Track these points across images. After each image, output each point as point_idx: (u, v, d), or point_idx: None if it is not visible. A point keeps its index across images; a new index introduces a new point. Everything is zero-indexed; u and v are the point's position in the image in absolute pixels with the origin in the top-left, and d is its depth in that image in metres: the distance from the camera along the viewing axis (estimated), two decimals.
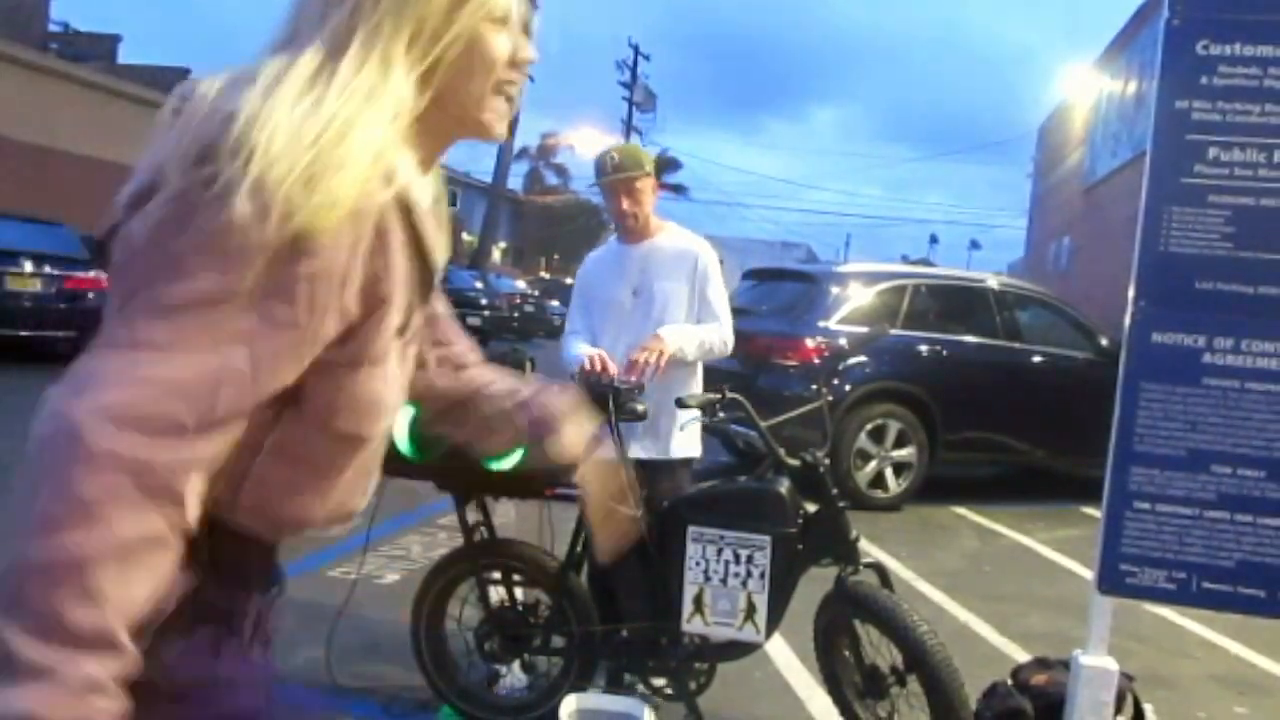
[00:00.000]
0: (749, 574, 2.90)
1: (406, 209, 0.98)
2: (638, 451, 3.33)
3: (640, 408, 3.04)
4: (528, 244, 51.70)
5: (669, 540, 2.96)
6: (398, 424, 3.05)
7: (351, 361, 0.99)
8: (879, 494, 7.29)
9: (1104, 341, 8.19)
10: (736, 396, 3.10)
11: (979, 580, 5.60)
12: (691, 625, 2.95)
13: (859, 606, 2.92)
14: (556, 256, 52.27)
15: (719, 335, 3.35)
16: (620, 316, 3.40)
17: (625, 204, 3.35)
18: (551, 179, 52.38)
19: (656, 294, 3.36)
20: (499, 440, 1.40)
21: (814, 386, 6.85)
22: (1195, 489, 2.48)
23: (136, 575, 0.81)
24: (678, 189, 43.55)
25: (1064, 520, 7.24)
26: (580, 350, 3.34)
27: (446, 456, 3.01)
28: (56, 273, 10.28)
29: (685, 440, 3.42)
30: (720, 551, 2.92)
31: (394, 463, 3.25)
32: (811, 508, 3.03)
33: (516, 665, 3.30)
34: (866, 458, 7.30)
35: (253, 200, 0.85)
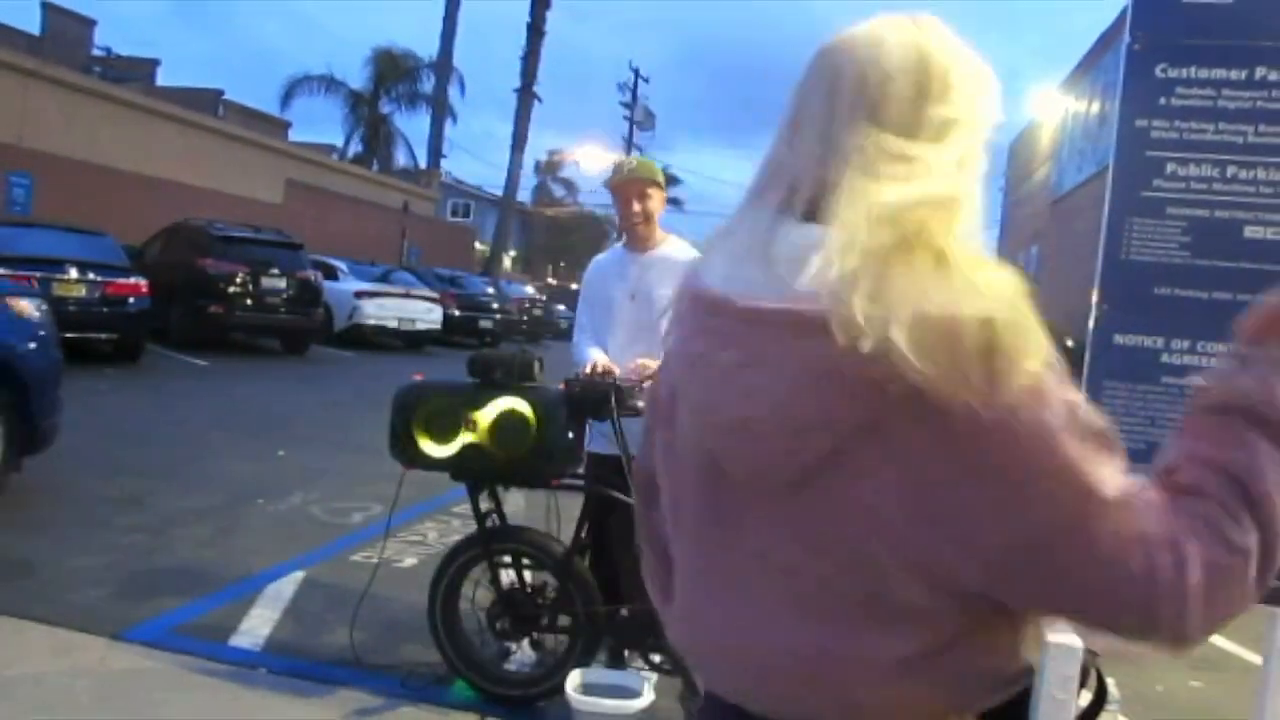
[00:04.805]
0: None
1: None
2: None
3: (641, 404, 3.04)
4: (536, 253, 51.68)
5: None
6: (415, 421, 3.05)
7: None
8: None
9: (1069, 343, 8.18)
10: None
11: None
12: None
13: None
14: (562, 264, 52.23)
15: None
16: (620, 317, 3.37)
17: (635, 205, 3.31)
18: (558, 192, 52.40)
19: (654, 300, 3.34)
20: None
21: None
22: None
23: None
24: (674, 202, 43.56)
25: None
26: (589, 353, 3.33)
27: (461, 448, 3.02)
28: (99, 279, 10.29)
29: None
30: None
31: (413, 455, 3.27)
32: None
33: (526, 643, 3.30)
34: None
35: None
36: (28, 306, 5.15)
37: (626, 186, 3.33)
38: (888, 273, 0.77)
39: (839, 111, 0.87)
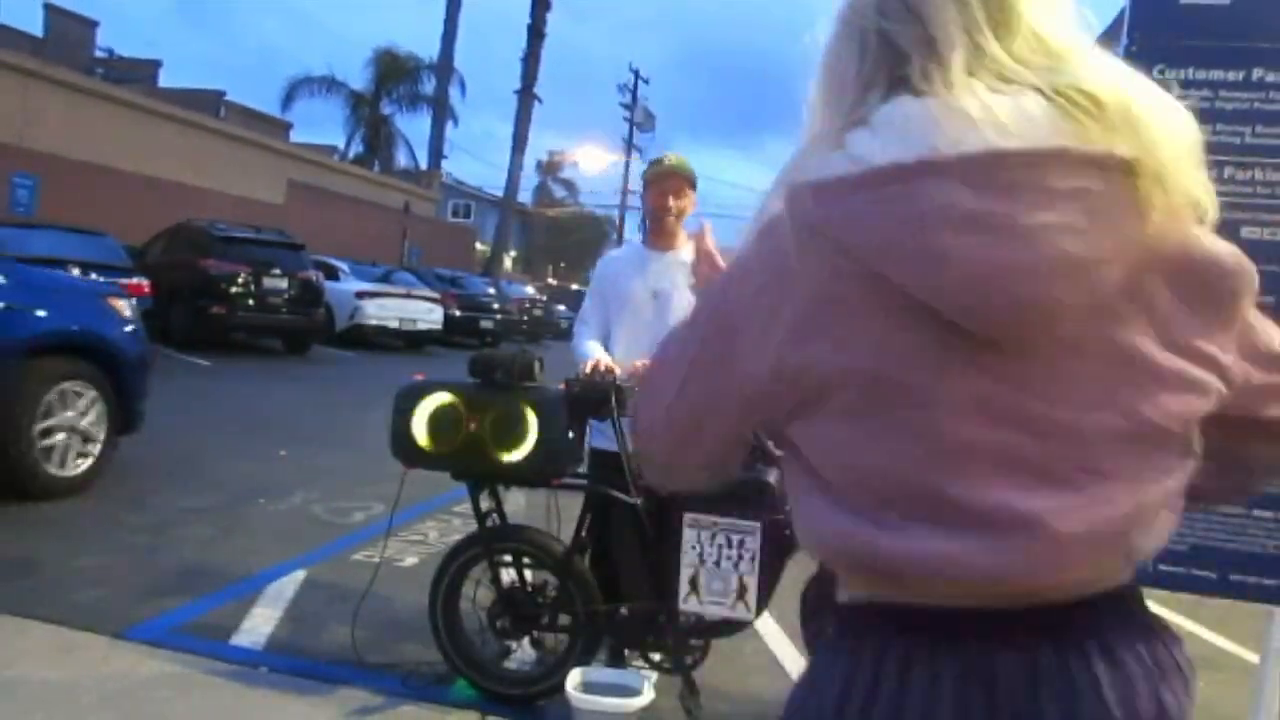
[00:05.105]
0: (740, 557, 2.90)
1: None
2: None
3: None
4: (536, 253, 51.68)
5: (666, 526, 2.96)
6: (418, 419, 3.05)
7: None
8: None
9: None
10: None
11: None
12: (688, 605, 2.94)
13: None
14: (563, 264, 52.24)
15: None
16: (637, 315, 3.31)
17: (670, 200, 3.29)
18: (559, 193, 52.41)
19: (675, 301, 3.24)
20: None
21: None
22: None
23: None
24: None
25: None
26: (589, 349, 3.31)
27: (461, 448, 3.02)
28: (101, 279, 10.27)
29: None
30: (714, 536, 2.91)
31: (413, 454, 3.27)
32: None
33: (526, 641, 3.30)
34: None
35: None
36: (123, 305, 5.89)
37: (665, 180, 3.31)
38: (1141, 121, 0.86)
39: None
